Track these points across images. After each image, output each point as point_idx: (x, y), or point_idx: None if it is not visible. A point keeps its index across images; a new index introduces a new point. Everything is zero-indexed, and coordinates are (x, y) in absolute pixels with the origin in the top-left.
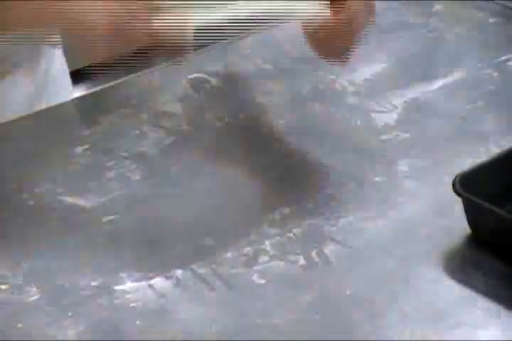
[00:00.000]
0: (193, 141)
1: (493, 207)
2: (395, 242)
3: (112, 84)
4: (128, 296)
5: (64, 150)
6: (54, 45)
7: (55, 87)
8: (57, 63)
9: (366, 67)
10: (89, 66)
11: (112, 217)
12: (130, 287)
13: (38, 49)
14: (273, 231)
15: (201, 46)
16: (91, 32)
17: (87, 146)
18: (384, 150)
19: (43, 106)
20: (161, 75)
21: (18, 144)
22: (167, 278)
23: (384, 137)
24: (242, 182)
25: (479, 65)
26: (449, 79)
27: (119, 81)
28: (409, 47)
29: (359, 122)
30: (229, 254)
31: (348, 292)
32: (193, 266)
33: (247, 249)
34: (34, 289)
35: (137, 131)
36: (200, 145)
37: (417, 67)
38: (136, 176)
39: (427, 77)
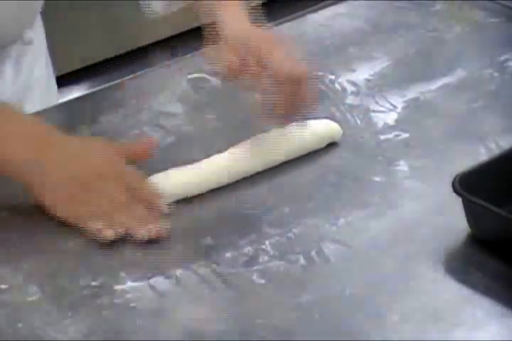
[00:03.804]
0: (193, 140)
1: (493, 207)
2: (395, 242)
3: (112, 84)
4: (128, 296)
5: None
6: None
7: (39, 91)
8: (41, 66)
9: (366, 67)
10: (88, 66)
11: None
12: (130, 287)
13: (21, 51)
14: (273, 231)
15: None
16: None
17: None
18: (384, 150)
19: (30, 109)
20: (161, 75)
21: None
22: (167, 277)
23: (384, 137)
24: (242, 182)
25: (479, 65)
26: (449, 79)
27: (119, 81)
28: (409, 47)
29: (359, 122)
30: (229, 254)
31: (348, 292)
32: (193, 266)
33: (247, 249)
34: (34, 289)
35: (137, 131)
36: (200, 145)
37: (417, 67)
38: None
39: (427, 77)
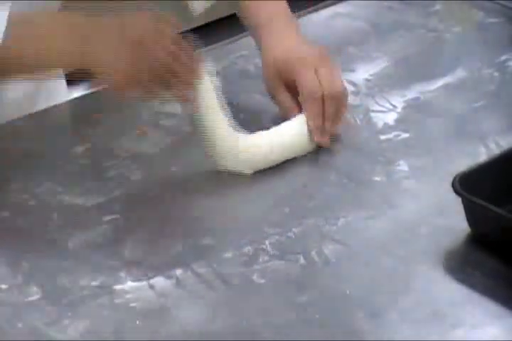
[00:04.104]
0: (193, 141)
1: (493, 207)
2: (395, 242)
3: None
4: (128, 296)
5: (64, 150)
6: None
7: (50, 88)
8: None
9: (366, 67)
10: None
11: (112, 217)
12: (130, 286)
13: None
14: (273, 230)
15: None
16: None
17: (87, 146)
18: (384, 150)
19: (40, 106)
20: None
21: (18, 144)
22: (167, 277)
23: (384, 137)
24: (242, 182)
25: (479, 65)
26: (449, 79)
27: None
28: (409, 47)
29: (359, 122)
30: (229, 254)
31: (348, 292)
32: (193, 266)
33: (247, 249)
34: (34, 289)
35: (137, 131)
36: (200, 145)
37: (417, 67)
38: (136, 176)
39: (427, 77)
